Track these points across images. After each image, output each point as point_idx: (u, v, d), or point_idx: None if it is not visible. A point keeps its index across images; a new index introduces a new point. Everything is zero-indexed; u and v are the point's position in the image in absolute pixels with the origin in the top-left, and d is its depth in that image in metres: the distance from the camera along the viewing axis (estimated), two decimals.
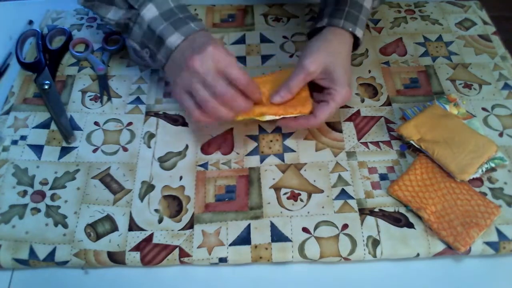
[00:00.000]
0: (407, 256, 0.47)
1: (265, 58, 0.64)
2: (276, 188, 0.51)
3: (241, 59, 0.64)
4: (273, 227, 0.48)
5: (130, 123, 0.57)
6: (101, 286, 0.46)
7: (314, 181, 0.52)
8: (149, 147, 0.54)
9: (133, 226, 0.48)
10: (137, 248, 0.47)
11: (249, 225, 0.48)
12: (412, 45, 0.66)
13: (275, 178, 0.52)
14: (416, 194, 0.49)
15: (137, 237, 0.47)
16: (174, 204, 0.50)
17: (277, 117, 0.50)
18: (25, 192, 0.50)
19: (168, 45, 0.46)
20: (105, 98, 0.59)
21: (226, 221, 0.49)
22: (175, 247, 0.47)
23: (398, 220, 0.49)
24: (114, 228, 0.48)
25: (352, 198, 0.50)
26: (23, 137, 0.55)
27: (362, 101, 0.59)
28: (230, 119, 0.46)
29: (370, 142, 0.55)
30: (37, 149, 0.54)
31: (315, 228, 0.48)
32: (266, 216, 0.49)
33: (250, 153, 0.54)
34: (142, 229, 0.48)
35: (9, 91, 0.59)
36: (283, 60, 0.64)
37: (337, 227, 0.48)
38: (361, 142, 0.55)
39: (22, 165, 0.52)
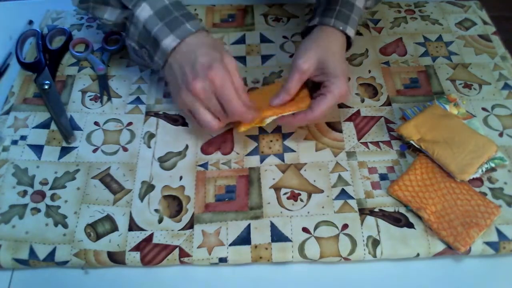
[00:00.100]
0: (407, 256, 0.47)
1: (265, 58, 0.64)
2: (276, 188, 0.51)
3: (241, 59, 0.64)
4: (273, 227, 0.48)
5: (130, 123, 0.57)
6: (101, 286, 0.46)
7: (314, 181, 0.52)
8: (149, 147, 0.54)
9: (133, 226, 0.48)
10: (137, 248, 0.47)
11: (249, 225, 0.48)
12: (412, 45, 0.66)
13: (275, 178, 0.52)
14: (416, 194, 0.49)
15: (137, 237, 0.47)
16: (174, 204, 0.50)
17: (276, 117, 0.50)
18: (25, 192, 0.50)
19: (163, 48, 0.46)
20: (105, 98, 0.59)
21: (226, 221, 0.49)
22: (175, 247, 0.47)
23: (398, 220, 0.49)
24: (114, 228, 0.48)
25: (352, 198, 0.50)
26: (23, 137, 0.55)
27: (362, 101, 0.59)
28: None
29: (370, 142, 0.55)
30: (37, 149, 0.54)
31: (315, 228, 0.48)
32: (266, 216, 0.49)
33: (250, 153, 0.54)
34: (142, 229, 0.48)
35: (9, 91, 0.59)
36: (283, 60, 0.64)
37: (337, 227, 0.48)
38: (361, 142, 0.55)
39: (22, 165, 0.52)
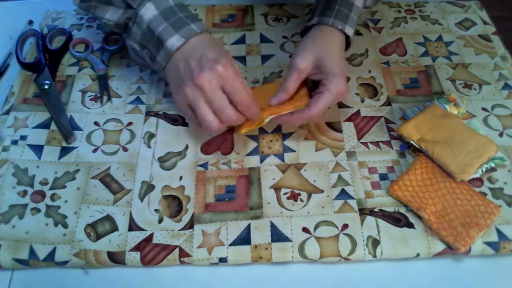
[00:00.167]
0: (407, 256, 0.47)
1: (265, 58, 0.64)
2: (276, 188, 0.51)
3: (241, 59, 0.64)
4: (273, 227, 0.48)
5: (130, 123, 0.57)
6: (101, 286, 0.46)
7: (314, 181, 0.52)
8: (149, 147, 0.54)
9: (133, 226, 0.48)
10: (137, 248, 0.47)
11: (249, 225, 0.48)
12: (412, 45, 0.66)
13: (275, 178, 0.52)
14: (416, 194, 0.49)
15: (137, 237, 0.47)
16: (174, 204, 0.50)
17: (274, 116, 0.50)
18: (25, 192, 0.50)
19: (167, 47, 0.46)
20: (105, 98, 0.59)
21: (226, 221, 0.49)
22: (175, 247, 0.47)
23: (398, 220, 0.49)
24: (114, 228, 0.48)
25: (352, 198, 0.50)
26: (23, 137, 0.55)
27: (362, 101, 0.59)
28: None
29: (370, 142, 0.55)
30: (37, 149, 0.54)
31: (315, 228, 0.48)
32: (266, 216, 0.49)
33: (250, 153, 0.54)
34: (142, 229, 0.48)
35: (9, 91, 0.59)
36: (283, 60, 0.64)
37: (337, 227, 0.48)
38: (361, 142, 0.55)
39: (22, 165, 0.52)
